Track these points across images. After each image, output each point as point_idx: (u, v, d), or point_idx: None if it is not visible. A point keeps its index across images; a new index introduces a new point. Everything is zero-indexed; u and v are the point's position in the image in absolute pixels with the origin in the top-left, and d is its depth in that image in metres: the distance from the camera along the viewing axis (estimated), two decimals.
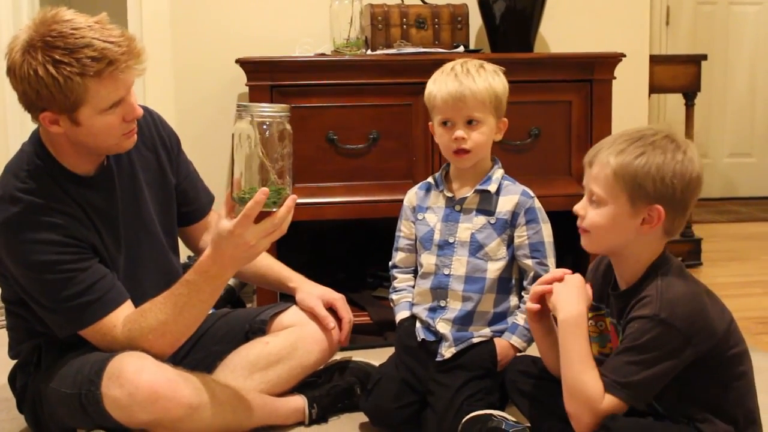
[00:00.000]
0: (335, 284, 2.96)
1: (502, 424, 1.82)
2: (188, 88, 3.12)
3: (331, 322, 2.10)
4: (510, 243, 1.99)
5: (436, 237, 2.01)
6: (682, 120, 3.89)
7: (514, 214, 1.98)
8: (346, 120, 2.71)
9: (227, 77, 3.01)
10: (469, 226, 1.98)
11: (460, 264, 1.98)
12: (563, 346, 1.64)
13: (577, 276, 1.71)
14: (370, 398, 2.03)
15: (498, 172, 2.01)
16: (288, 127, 1.75)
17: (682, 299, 1.55)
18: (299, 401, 2.05)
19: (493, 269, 1.97)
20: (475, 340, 1.97)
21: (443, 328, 1.98)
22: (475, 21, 3.08)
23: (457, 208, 2.00)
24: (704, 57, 3.87)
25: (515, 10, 2.97)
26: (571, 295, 1.67)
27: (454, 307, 1.98)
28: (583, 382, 1.59)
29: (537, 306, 1.73)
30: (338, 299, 2.16)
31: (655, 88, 3.60)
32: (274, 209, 1.75)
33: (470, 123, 1.95)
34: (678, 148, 1.58)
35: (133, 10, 3.15)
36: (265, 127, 1.71)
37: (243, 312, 2.21)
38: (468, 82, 1.94)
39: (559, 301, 1.67)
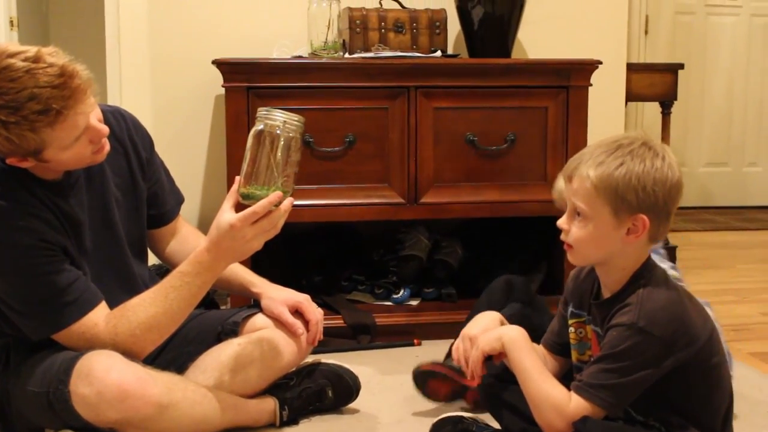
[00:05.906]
0: (310, 287, 2.97)
1: (472, 426, 1.82)
2: (165, 88, 3.11)
3: (299, 328, 2.08)
4: None
5: None
6: (659, 128, 3.91)
7: None
8: (322, 123, 2.71)
9: (204, 78, 3.01)
10: None
11: None
12: (519, 363, 1.66)
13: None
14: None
15: None
16: (300, 137, 1.85)
17: (662, 308, 1.56)
18: (270, 403, 2.04)
19: None
20: None
21: None
22: (454, 26, 3.09)
23: None
24: (681, 66, 3.89)
25: (493, 15, 2.98)
26: (489, 322, 1.79)
27: None
28: (546, 390, 1.61)
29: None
30: (303, 301, 2.14)
31: (632, 96, 3.62)
32: (273, 209, 1.82)
33: None
34: (656, 155, 1.59)
35: (111, 9, 3.13)
36: (279, 131, 1.80)
37: (216, 313, 2.20)
38: None
39: (494, 331, 1.73)
